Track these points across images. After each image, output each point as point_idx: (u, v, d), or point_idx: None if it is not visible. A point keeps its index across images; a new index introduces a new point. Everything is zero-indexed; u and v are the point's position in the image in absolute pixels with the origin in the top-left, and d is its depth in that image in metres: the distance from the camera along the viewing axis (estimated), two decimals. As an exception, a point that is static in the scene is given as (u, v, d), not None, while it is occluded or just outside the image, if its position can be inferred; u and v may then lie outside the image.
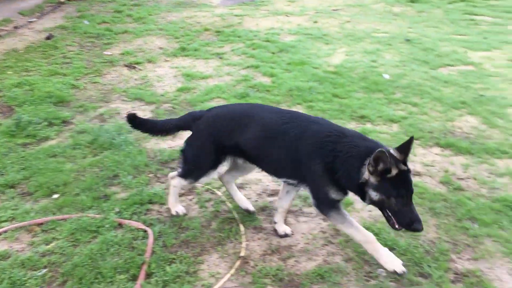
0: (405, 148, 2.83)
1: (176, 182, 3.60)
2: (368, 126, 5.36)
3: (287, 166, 3.17)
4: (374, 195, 2.83)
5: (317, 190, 3.08)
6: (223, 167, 3.53)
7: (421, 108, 5.90)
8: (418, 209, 3.75)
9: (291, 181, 3.24)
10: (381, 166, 2.73)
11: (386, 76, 7.08)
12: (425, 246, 3.38)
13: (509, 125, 5.42)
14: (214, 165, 3.42)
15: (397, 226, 2.84)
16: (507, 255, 3.33)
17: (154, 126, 3.77)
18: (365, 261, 3.19)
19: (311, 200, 3.17)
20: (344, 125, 5.25)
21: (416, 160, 4.61)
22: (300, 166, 3.09)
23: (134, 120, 3.69)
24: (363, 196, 2.91)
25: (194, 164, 3.50)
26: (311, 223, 3.63)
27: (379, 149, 2.72)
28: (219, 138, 3.35)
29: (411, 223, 2.78)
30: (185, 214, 3.67)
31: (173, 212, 3.67)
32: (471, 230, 3.56)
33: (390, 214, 2.84)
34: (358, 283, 3.00)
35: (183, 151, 3.55)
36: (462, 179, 4.29)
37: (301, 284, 2.99)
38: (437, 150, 4.86)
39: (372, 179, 2.80)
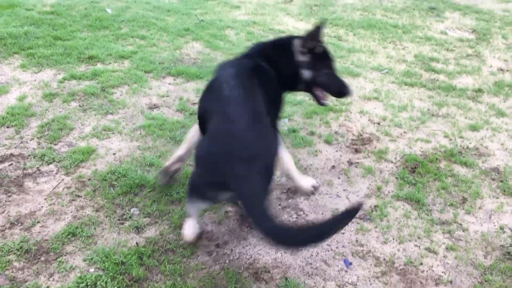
0: (314, 34, 3.00)
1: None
2: (99, 66, 5.13)
3: None
4: (307, 74, 3.03)
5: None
6: None
7: (149, 40, 5.91)
8: (161, 141, 3.87)
9: None
10: (310, 44, 2.96)
11: (109, 11, 6.80)
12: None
13: (228, 45, 5.91)
14: None
15: (324, 101, 3.17)
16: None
17: None
18: (116, 205, 3.16)
19: None
20: (73, 69, 4.99)
21: (152, 93, 4.66)
22: None
23: None
24: (295, 84, 3.10)
25: None
26: (53, 182, 3.37)
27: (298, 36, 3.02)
28: None
29: (343, 89, 3.10)
30: None
31: None
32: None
33: (318, 91, 3.13)
34: (112, 229, 2.96)
35: None
36: (195, 103, 4.54)
37: (52, 248, 2.78)
38: (170, 79, 4.99)
39: (304, 58, 3.01)
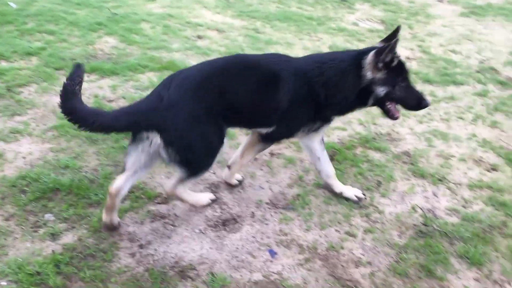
0: (392, 38, 2.83)
1: (182, 188, 2.94)
2: (3, 64, 4.77)
3: (276, 111, 2.93)
4: (381, 90, 2.88)
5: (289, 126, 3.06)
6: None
7: (58, 35, 5.59)
8: (76, 142, 3.69)
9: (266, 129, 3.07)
10: (387, 58, 2.78)
11: (13, 5, 6.34)
12: (89, 176, 3.36)
13: (144, 40, 5.75)
14: (222, 141, 2.85)
15: (397, 115, 3.03)
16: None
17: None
18: (28, 212, 2.96)
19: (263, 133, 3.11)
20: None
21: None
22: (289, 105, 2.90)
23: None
24: (364, 101, 2.98)
25: (205, 158, 2.84)
26: (-45, 192, 3.10)
27: (379, 45, 2.86)
28: (214, 107, 2.74)
29: (421, 101, 2.95)
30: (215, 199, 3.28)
31: (206, 202, 3.21)
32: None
33: (391, 105, 2.97)
34: (25, 238, 2.78)
35: (182, 154, 2.71)
36: (112, 100, 4.37)
37: (-44, 265, 2.57)
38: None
39: (380, 75, 2.84)
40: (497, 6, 8.25)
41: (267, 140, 3.16)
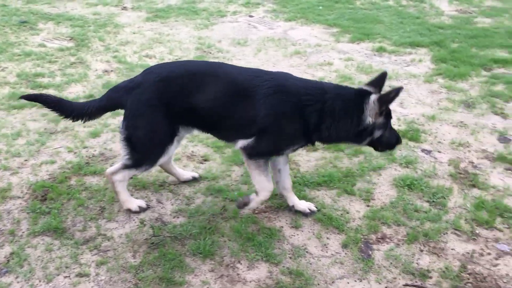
0: (379, 82, 3.06)
1: (121, 176, 3.24)
2: None
3: (251, 123, 3.01)
4: (378, 133, 3.06)
5: (272, 143, 3.09)
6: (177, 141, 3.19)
7: None
8: None
9: (244, 141, 3.08)
10: (386, 106, 2.96)
11: None
12: None
13: None
14: (171, 139, 3.12)
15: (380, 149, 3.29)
16: None
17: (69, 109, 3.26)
18: None
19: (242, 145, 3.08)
20: None
21: None
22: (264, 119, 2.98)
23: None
24: (359, 141, 3.12)
25: (149, 147, 3.12)
26: None
27: (378, 93, 3.00)
28: (173, 104, 3.01)
29: (399, 139, 3.25)
30: (148, 207, 3.42)
31: (134, 209, 3.37)
32: None
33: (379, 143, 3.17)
34: None
35: (127, 139, 3.09)
36: None
37: None
38: None
39: (380, 120, 3.00)
40: (176, 7, 8.86)
41: (251, 155, 3.11)
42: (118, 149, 4.23)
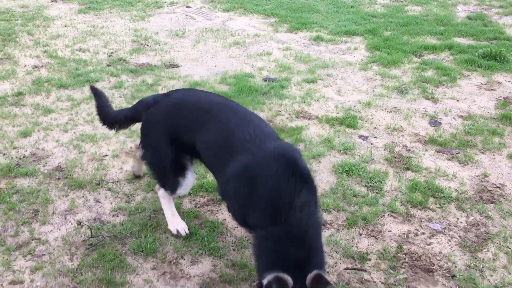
0: None
1: (161, 193, 3.14)
2: None
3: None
4: None
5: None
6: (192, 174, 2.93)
7: None
8: None
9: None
10: None
11: None
12: None
13: None
14: (180, 171, 2.86)
15: None
16: None
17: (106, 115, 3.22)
18: None
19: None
20: None
21: None
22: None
23: None
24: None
25: (157, 170, 3.01)
26: None
27: None
28: (177, 133, 2.78)
29: None
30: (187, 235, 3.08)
31: (172, 231, 3.12)
32: None
33: None
34: None
35: (143, 157, 3.18)
36: None
37: None
38: None
39: None
40: (110, -1, 8.60)
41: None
42: (51, 148, 4.06)
